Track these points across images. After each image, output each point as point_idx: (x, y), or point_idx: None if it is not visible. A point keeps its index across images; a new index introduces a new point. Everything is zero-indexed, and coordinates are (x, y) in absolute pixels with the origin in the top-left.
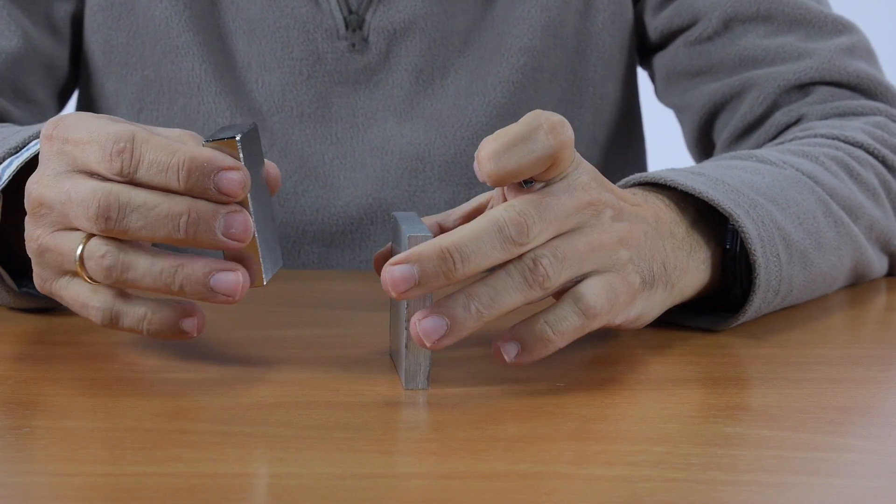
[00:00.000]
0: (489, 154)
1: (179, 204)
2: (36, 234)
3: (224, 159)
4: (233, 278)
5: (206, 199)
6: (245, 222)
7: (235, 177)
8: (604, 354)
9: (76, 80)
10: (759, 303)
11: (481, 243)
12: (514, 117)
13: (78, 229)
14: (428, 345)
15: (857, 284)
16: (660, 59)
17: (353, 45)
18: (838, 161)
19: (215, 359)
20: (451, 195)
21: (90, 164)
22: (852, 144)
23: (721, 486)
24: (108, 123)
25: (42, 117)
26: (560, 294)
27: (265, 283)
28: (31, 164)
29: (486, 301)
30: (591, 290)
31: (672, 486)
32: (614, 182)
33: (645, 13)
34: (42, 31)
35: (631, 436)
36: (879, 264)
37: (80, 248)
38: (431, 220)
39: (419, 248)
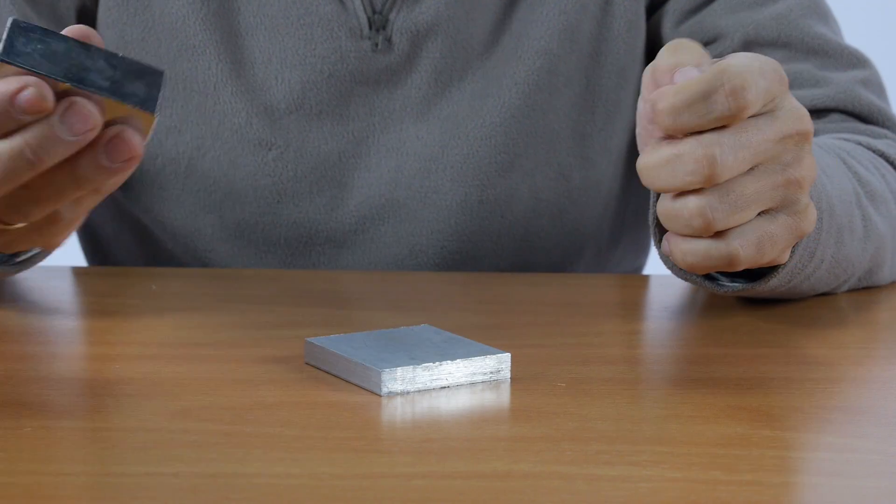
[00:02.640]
0: (668, 108)
1: (13, 141)
2: None
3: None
4: (31, 93)
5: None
6: (83, 113)
7: (30, 95)
8: (604, 354)
9: None
10: (795, 260)
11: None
12: (528, 119)
13: None
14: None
15: (864, 287)
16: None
17: (377, 45)
18: (868, 159)
19: (215, 359)
20: (463, 196)
21: None
22: (874, 151)
23: (721, 486)
24: None
25: None
26: None
27: (155, 114)
28: None
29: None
30: (745, 240)
31: (672, 486)
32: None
33: (663, 25)
34: (46, 21)
35: (631, 436)
36: (890, 271)
37: None
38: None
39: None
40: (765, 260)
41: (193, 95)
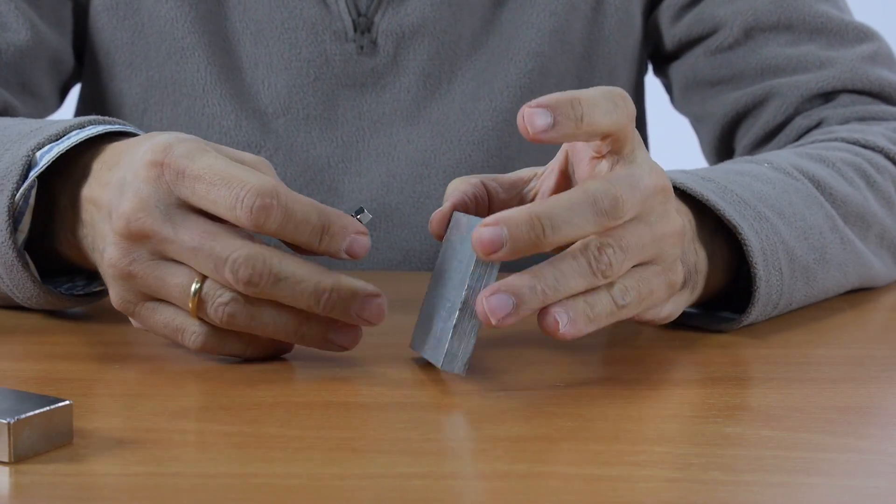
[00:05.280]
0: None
1: (326, 279)
2: (126, 260)
3: (358, 227)
4: (352, 335)
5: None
6: (380, 308)
7: (364, 242)
8: (604, 354)
9: (78, 75)
10: (756, 314)
11: (573, 214)
12: None
13: (181, 262)
14: (493, 322)
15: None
16: (677, 68)
17: (362, 47)
18: (855, 167)
19: (215, 359)
20: None
21: (216, 207)
22: (871, 149)
23: (721, 486)
24: (234, 166)
25: (45, 112)
26: None
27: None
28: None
29: (552, 283)
30: (628, 284)
31: (672, 486)
32: None
33: (661, 22)
34: (49, 24)
35: (631, 436)
36: (887, 273)
37: (196, 286)
38: (476, 178)
39: (509, 212)
40: (641, 311)
41: (182, 99)
